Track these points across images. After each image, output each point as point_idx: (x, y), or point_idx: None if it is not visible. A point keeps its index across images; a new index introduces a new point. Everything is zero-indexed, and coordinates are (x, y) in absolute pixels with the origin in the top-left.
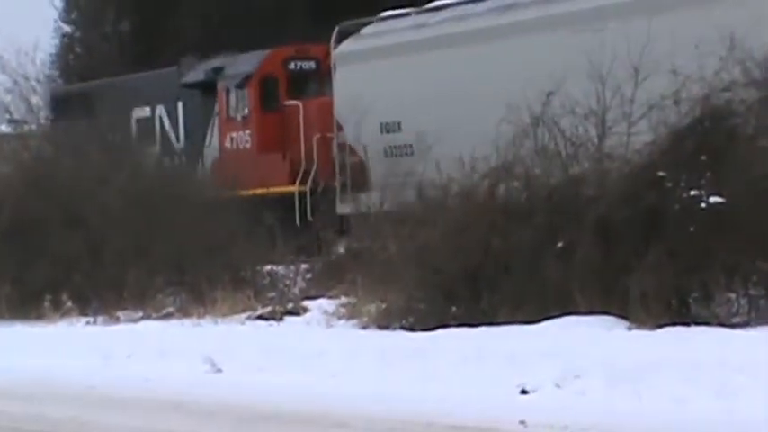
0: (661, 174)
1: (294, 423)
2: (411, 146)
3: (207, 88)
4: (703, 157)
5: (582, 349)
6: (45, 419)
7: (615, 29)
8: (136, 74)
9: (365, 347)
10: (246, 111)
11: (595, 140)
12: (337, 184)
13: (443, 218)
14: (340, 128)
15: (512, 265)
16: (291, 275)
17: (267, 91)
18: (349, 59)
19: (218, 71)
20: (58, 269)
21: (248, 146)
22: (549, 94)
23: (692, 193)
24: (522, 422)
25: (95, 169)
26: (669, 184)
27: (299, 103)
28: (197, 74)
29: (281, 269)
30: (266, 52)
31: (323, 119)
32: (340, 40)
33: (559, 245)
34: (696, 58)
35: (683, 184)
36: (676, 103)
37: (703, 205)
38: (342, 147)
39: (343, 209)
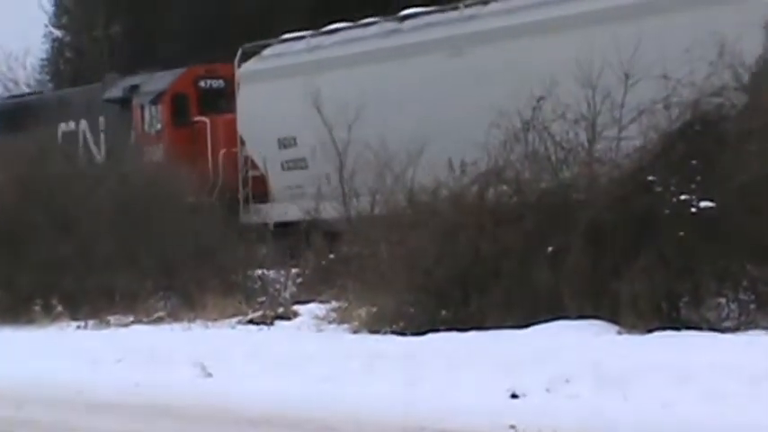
0: (651, 178)
1: (285, 427)
2: (305, 159)
3: (125, 104)
4: (693, 162)
5: (572, 353)
6: (35, 424)
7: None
8: (64, 89)
9: (356, 352)
10: (159, 126)
11: (586, 145)
12: (240, 196)
13: (433, 222)
14: (243, 143)
15: (502, 269)
16: (282, 280)
17: (178, 107)
18: (251, 79)
19: (134, 88)
20: (48, 274)
21: (161, 159)
22: (540, 99)
23: (683, 197)
24: (513, 426)
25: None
26: (659, 189)
27: (206, 119)
28: (117, 90)
29: (271, 273)
30: (179, 71)
31: (229, 134)
32: (245, 59)
33: (549, 249)
34: (686, 62)
35: (673, 189)
36: (666, 107)
37: (693, 210)
38: (245, 161)
39: (246, 219)
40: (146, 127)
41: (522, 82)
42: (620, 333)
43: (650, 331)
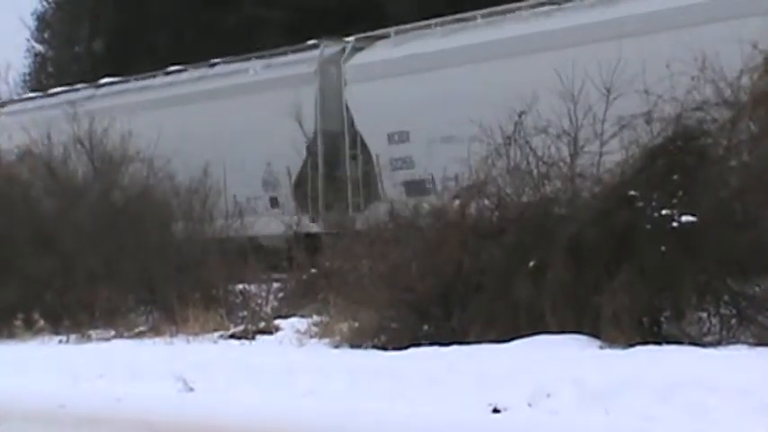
0: (633, 193)
1: None
2: None
3: None
4: (675, 177)
5: (553, 368)
6: None
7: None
8: None
9: (337, 366)
10: None
11: (567, 159)
12: None
13: (415, 237)
14: None
15: (483, 284)
16: (263, 294)
17: None
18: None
19: None
20: (29, 288)
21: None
22: (521, 113)
23: (664, 212)
24: None
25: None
26: (641, 204)
27: None
28: None
29: (252, 288)
30: None
31: None
32: None
33: (531, 264)
34: (668, 77)
35: (654, 204)
36: (648, 122)
37: (675, 224)
38: None
39: None
40: None
41: (504, 98)
42: (601, 348)
43: (632, 346)
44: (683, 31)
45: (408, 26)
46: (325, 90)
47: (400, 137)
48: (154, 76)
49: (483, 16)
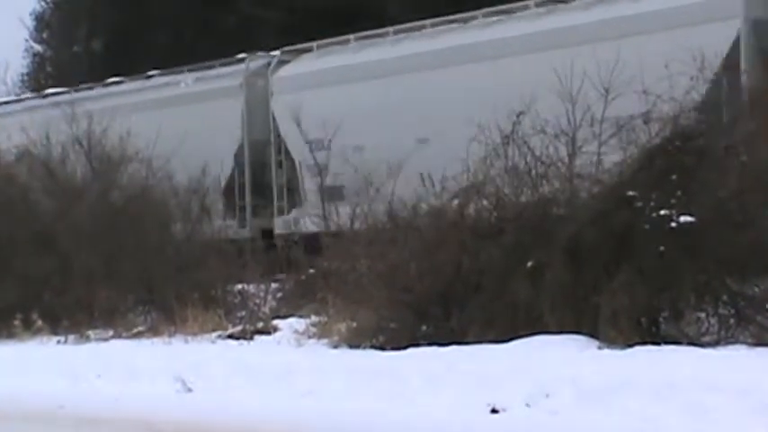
0: (631, 193)
1: None
2: None
3: None
4: (673, 177)
5: (552, 368)
6: None
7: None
8: None
9: (336, 366)
10: None
11: (566, 160)
12: None
13: (413, 237)
14: None
15: (482, 284)
16: (262, 294)
17: None
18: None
19: None
20: (28, 288)
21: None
22: (520, 114)
23: (662, 212)
24: None
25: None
26: (639, 204)
27: None
28: None
29: (251, 288)
30: None
31: None
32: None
33: (530, 264)
34: (666, 77)
35: (653, 204)
36: (646, 122)
37: (673, 225)
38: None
39: None
40: None
41: (503, 98)
42: (600, 348)
43: (630, 346)
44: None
45: (329, 41)
46: (253, 101)
47: (320, 145)
48: (91, 88)
49: (395, 32)
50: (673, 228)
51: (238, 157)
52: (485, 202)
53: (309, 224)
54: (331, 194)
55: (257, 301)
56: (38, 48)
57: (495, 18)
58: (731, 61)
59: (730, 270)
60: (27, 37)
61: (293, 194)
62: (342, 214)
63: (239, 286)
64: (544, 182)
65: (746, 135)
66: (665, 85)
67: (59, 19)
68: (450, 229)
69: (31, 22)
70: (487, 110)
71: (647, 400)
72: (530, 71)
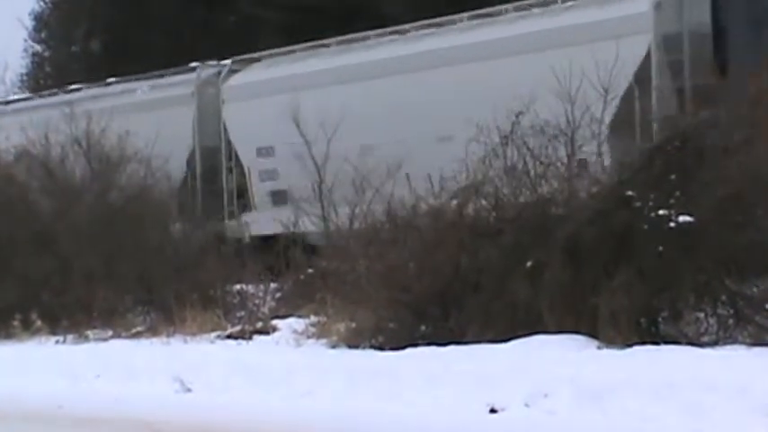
0: (630, 193)
1: None
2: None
3: None
4: (672, 177)
5: (551, 368)
6: None
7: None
8: None
9: (335, 366)
10: None
11: (565, 160)
12: None
13: (412, 237)
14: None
15: (481, 284)
16: (261, 294)
17: None
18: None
19: None
20: (27, 288)
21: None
22: (519, 114)
23: (661, 212)
24: None
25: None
26: (638, 204)
27: None
28: None
29: (250, 288)
30: None
31: None
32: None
33: (529, 264)
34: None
35: (652, 204)
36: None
37: (672, 224)
38: None
39: None
40: None
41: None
42: (599, 348)
43: (629, 346)
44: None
45: (276, 51)
46: (204, 109)
47: (267, 151)
48: (56, 93)
49: (336, 44)
50: (672, 228)
51: (190, 162)
52: (483, 202)
53: (259, 227)
54: (278, 198)
55: (256, 301)
56: (37, 48)
57: (425, 31)
58: (643, 74)
59: (729, 270)
60: (26, 37)
61: (243, 199)
62: (285, 217)
63: (238, 286)
64: (543, 182)
65: (746, 135)
66: (583, 95)
67: (58, 19)
68: (449, 229)
69: (29, 22)
70: (423, 120)
71: (645, 400)
72: (446, 82)
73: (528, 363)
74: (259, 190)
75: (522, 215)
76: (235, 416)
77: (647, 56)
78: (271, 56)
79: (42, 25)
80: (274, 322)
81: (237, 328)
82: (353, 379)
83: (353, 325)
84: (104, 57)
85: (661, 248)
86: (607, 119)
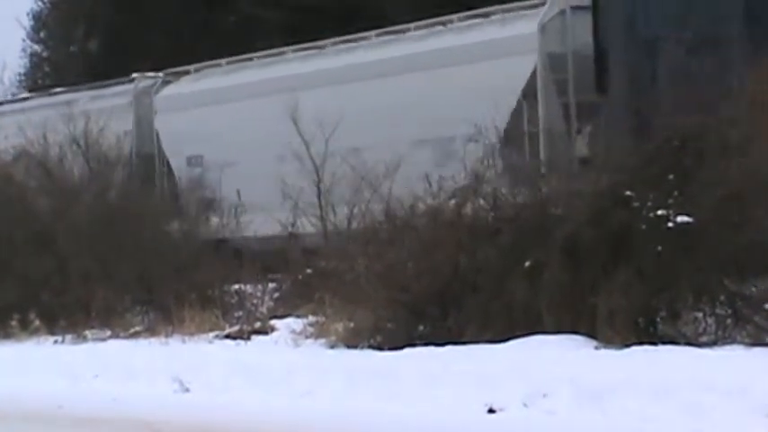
0: (629, 193)
1: None
2: None
3: None
4: (671, 177)
5: (549, 368)
6: None
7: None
8: None
9: (333, 366)
10: None
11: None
12: None
13: (411, 237)
14: None
15: (479, 284)
16: (259, 294)
17: None
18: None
19: None
20: (25, 288)
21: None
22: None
23: (660, 212)
24: None
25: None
26: (637, 204)
27: None
28: None
29: (248, 288)
30: None
31: None
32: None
33: (527, 264)
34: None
35: (650, 204)
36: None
37: (671, 225)
38: None
39: None
40: None
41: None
42: (597, 348)
43: (628, 346)
44: None
45: (205, 64)
46: (141, 118)
47: (196, 160)
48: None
49: (258, 58)
50: (670, 228)
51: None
52: (482, 202)
53: None
54: (206, 206)
55: (254, 301)
56: (35, 47)
57: (346, 45)
58: (530, 90)
59: (728, 270)
60: (24, 37)
61: (175, 205)
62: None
63: (236, 286)
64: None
65: (745, 135)
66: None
67: (57, 19)
68: (448, 229)
69: (28, 22)
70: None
71: (644, 400)
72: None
73: (526, 363)
74: (189, 197)
75: (521, 215)
76: (233, 416)
77: (534, 74)
78: (200, 68)
79: (41, 25)
80: (273, 322)
81: (236, 328)
82: (352, 379)
83: (352, 325)
84: (103, 57)
85: (660, 248)
86: (500, 131)
